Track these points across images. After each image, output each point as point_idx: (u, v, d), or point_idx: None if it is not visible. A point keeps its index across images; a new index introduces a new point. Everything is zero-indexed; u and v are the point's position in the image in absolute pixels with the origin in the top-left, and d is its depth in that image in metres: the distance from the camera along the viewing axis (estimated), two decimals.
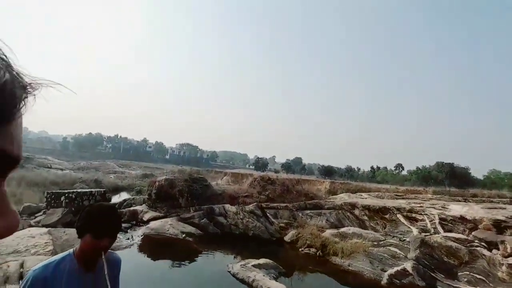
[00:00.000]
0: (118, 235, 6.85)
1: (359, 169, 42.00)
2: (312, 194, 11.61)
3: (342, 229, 8.79)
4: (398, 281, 6.01)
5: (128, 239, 8.06)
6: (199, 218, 9.88)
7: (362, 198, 12.21)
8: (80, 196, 9.95)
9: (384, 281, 6.07)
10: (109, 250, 1.27)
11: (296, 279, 6.29)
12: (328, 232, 8.64)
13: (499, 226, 7.04)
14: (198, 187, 11.41)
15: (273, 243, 8.82)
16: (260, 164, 43.74)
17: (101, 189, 11.56)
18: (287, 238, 8.89)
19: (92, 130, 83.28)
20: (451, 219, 7.82)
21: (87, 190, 10.96)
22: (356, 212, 9.92)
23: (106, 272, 1.19)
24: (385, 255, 6.98)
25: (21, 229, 6.72)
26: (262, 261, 6.48)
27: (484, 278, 5.74)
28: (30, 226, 7.31)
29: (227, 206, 10.46)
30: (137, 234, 8.51)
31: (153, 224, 9.35)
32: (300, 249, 8.09)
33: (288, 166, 44.11)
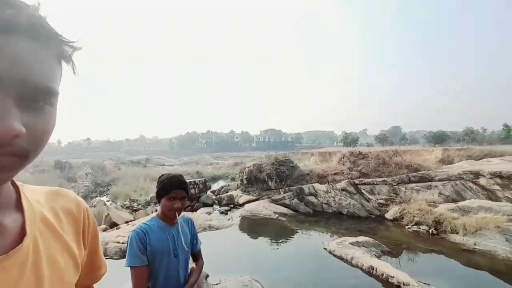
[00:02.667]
0: (221, 216, 7.94)
1: (484, 129, 33.95)
2: (416, 165, 10.19)
3: (463, 203, 7.44)
4: None
5: (229, 219, 9.17)
6: (289, 199, 10.26)
7: (492, 164, 9.90)
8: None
9: None
10: (183, 213, 1.62)
11: (405, 259, 5.78)
12: (443, 207, 7.48)
13: None
14: (285, 169, 11.79)
15: (372, 221, 8.31)
16: (349, 139, 41.01)
17: (202, 179, 13.46)
18: (389, 215, 8.19)
19: (189, 130, 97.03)
20: None
21: (191, 180, 12.96)
22: (482, 181, 8.17)
23: (180, 230, 1.57)
24: None
25: (151, 214, 8.61)
26: (360, 238, 6.25)
27: None
28: (156, 210, 9.28)
29: (317, 185, 10.43)
30: (236, 216, 9.57)
31: (248, 206, 10.30)
32: (406, 227, 7.34)
33: (383, 138, 39.68)
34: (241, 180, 12.44)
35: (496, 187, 7.77)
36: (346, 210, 8.94)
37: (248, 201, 10.91)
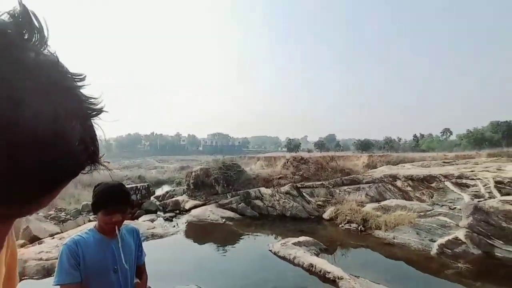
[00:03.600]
0: (166, 223, 7.42)
1: (399, 139, 39.64)
2: (348, 170, 11.33)
3: (384, 202, 8.52)
4: (449, 251, 5.74)
5: (174, 226, 8.73)
6: (236, 203, 10.29)
7: (405, 169, 11.60)
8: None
9: (433, 251, 5.84)
10: (125, 223, 1.47)
11: (339, 255, 6.33)
12: (369, 206, 8.44)
13: None
14: (232, 174, 11.80)
15: (312, 222, 8.90)
16: (292, 145, 43.41)
17: (145, 184, 12.55)
18: (325, 215, 8.89)
19: (131, 131, 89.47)
20: (508, 181, 7.12)
21: (133, 185, 11.96)
22: (398, 183, 9.49)
23: (120, 245, 1.39)
24: (434, 225, 6.66)
25: (82, 224, 7.65)
26: (301, 238, 6.62)
27: None
28: (90, 221, 8.28)
29: (263, 189, 10.71)
30: (182, 222, 9.17)
31: (194, 211, 9.98)
32: (340, 225, 8.05)
33: (321, 144, 43.16)
34: (188, 185, 12.00)
35: (409, 188, 9.13)
36: (289, 212, 9.37)
37: (195, 206, 10.57)
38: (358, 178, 10.12)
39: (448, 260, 5.49)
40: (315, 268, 5.24)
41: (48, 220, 8.64)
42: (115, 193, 1.35)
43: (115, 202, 1.34)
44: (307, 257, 5.68)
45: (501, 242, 5.62)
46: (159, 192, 15.52)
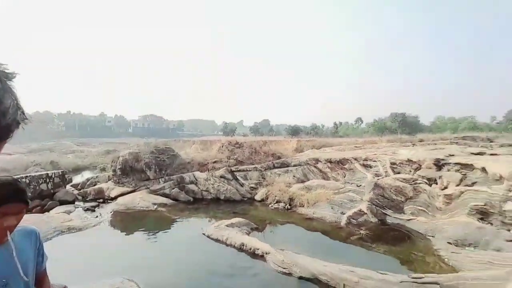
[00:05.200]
0: (86, 214, 6.52)
1: (323, 126, 43.90)
2: (279, 154, 12.06)
3: (307, 183, 9.45)
4: (354, 221, 6.81)
5: (97, 217, 7.86)
6: (169, 188, 9.87)
7: (326, 153, 13.01)
8: (36, 180, 9.25)
9: (343, 222, 6.83)
10: (24, 225, 1.21)
11: (268, 232, 6.79)
12: (295, 187, 9.23)
13: (438, 164, 8.07)
14: (165, 158, 11.19)
15: (245, 203, 9.25)
16: (228, 129, 43.53)
17: (59, 170, 10.79)
18: (257, 197, 9.35)
19: (39, 108, 74.30)
20: (399, 163, 8.77)
21: (43, 172, 10.14)
22: (320, 165, 10.61)
23: (13, 251, 1.14)
24: (344, 200, 7.75)
25: None
26: (234, 220, 6.83)
27: (424, 209, 6.73)
28: None
29: (197, 173, 10.52)
30: (106, 211, 8.31)
31: (121, 199, 9.16)
32: (270, 205, 8.61)
33: (256, 129, 44.59)
34: (114, 171, 10.86)
35: (328, 169, 10.33)
36: (223, 195, 9.50)
37: (122, 194, 9.70)
38: (287, 161, 10.90)
39: (353, 228, 6.52)
40: (246, 246, 5.52)
41: None
42: (6, 191, 1.09)
43: (8, 201, 1.09)
44: (238, 237, 5.92)
45: (391, 211, 6.95)
46: (78, 179, 13.63)
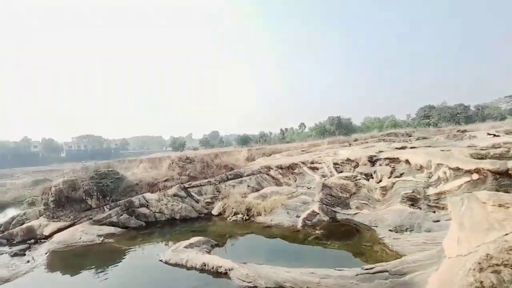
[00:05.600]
0: (14, 261, 5.42)
1: (271, 133, 45.45)
2: (231, 165, 11.99)
3: (262, 191, 9.58)
4: (309, 222, 7.13)
5: (28, 261, 6.58)
6: (117, 215, 8.87)
7: (276, 159, 13.44)
8: None
9: (299, 225, 7.09)
10: None
11: (229, 246, 6.61)
12: (251, 196, 9.26)
13: (371, 160, 9.05)
14: (109, 182, 10.05)
15: (202, 220, 8.88)
16: (177, 144, 41.65)
17: None
18: (214, 211, 9.08)
19: None
20: (341, 162, 9.56)
21: None
22: (272, 172, 10.89)
23: None
24: (298, 203, 8.07)
25: None
26: (193, 240, 6.48)
27: (366, 202, 7.43)
28: None
29: (148, 195, 9.72)
30: (40, 253, 7.03)
31: (58, 236, 7.89)
32: (228, 219, 8.43)
33: (206, 142, 43.68)
34: (46, 204, 9.30)
35: (279, 176, 10.66)
36: (179, 214, 8.96)
37: (59, 230, 8.35)
38: (240, 172, 10.89)
39: (309, 229, 6.81)
40: (208, 265, 5.27)
41: None
42: None
43: None
44: (199, 257, 5.61)
45: (339, 208, 7.49)
46: (0, 219, 11.26)
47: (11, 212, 13.21)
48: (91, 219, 8.86)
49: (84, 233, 7.88)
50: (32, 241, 8.13)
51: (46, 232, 8.34)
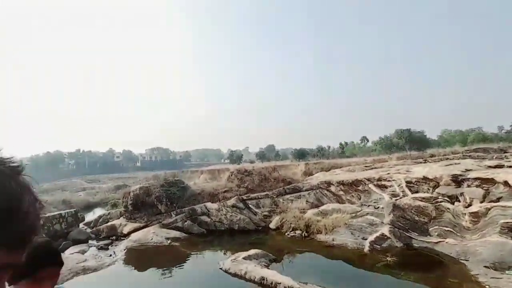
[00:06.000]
0: (100, 253, 6.31)
1: (329, 147, 43.64)
2: (289, 179, 11.86)
3: (322, 207, 9.14)
4: (378, 246, 6.43)
5: (111, 255, 7.62)
6: (182, 221, 9.64)
7: (336, 174, 12.76)
8: (49, 221, 9.17)
9: (366, 248, 6.46)
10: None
11: (287, 263, 6.44)
12: (310, 212, 8.92)
13: (456, 180, 7.78)
14: (176, 191, 11.07)
15: (260, 233, 8.92)
16: (235, 157, 43.50)
17: (72, 210, 10.73)
18: (272, 225, 9.03)
19: (50, 149, 76.24)
20: (415, 181, 8.49)
21: (56, 213, 10.08)
22: (332, 188, 10.34)
23: None
24: (364, 224, 7.41)
25: None
26: (251, 252, 6.52)
27: (451, 229, 6.34)
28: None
29: (209, 204, 10.32)
30: (120, 249, 8.07)
31: (134, 235, 8.94)
32: (286, 234, 8.27)
33: (262, 155, 44.48)
34: (125, 206, 10.73)
35: (341, 192, 10.04)
36: (237, 225, 9.21)
37: (135, 230, 9.48)
38: (299, 186, 10.67)
39: (378, 255, 6.14)
40: (267, 280, 5.20)
41: None
42: (40, 255, 0.99)
43: (45, 266, 0.99)
44: (258, 270, 5.61)
45: (416, 233, 6.58)
46: (90, 217, 13.49)
47: (98, 212, 15.63)
48: (161, 222, 9.83)
49: (155, 234, 8.76)
50: (114, 237, 9.42)
51: (125, 231, 9.57)
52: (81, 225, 10.87)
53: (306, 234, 7.90)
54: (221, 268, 6.06)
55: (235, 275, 5.70)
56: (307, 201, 10.04)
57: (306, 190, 10.54)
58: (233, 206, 9.97)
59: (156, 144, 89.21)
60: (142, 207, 10.55)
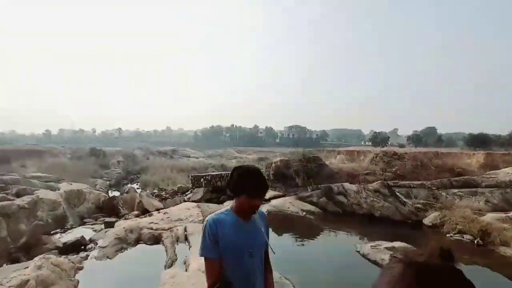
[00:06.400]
0: None
1: None
2: (459, 169, 9.44)
3: None
4: None
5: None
6: (317, 197, 9.99)
7: None
8: (214, 178, 12.04)
9: None
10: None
11: None
12: (490, 216, 6.85)
13: None
14: (313, 167, 11.49)
15: (407, 227, 7.84)
16: (379, 139, 39.27)
17: (229, 172, 13.56)
18: (427, 220, 7.67)
19: (214, 123, 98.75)
20: None
21: (217, 173, 13.10)
22: None
23: (258, 223, 1.44)
24: None
25: (179, 203, 8.80)
26: (397, 244, 5.90)
27: None
28: (184, 201, 9.48)
29: (347, 185, 10.04)
30: (264, 210, 9.50)
31: (274, 202, 10.19)
32: (447, 235, 6.81)
33: (417, 139, 37.54)
34: (268, 176, 12.34)
35: None
36: (378, 212, 8.51)
37: (275, 197, 10.80)
38: (475, 180, 8.32)
39: None
40: None
41: (153, 197, 10.35)
42: (260, 178, 1.42)
43: (262, 188, 1.42)
44: None
45: None
46: None
47: None
48: (297, 195, 10.64)
49: (292, 205, 9.63)
50: None
51: (266, 196, 11.09)
52: None
53: (480, 242, 6.18)
54: (358, 251, 5.89)
55: (374, 262, 5.39)
56: (487, 201, 7.71)
57: (487, 186, 8.07)
58: (375, 190, 9.21)
59: (294, 122, 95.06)
60: (282, 178, 11.77)
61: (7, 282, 3.34)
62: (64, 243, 5.76)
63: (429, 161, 9.76)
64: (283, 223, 8.46)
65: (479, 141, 28.38)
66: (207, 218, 1.46)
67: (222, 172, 13.12)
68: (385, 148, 17.36)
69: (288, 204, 9.73)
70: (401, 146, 31.63)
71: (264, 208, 9.83)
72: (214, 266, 1.36)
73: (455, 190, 8.29)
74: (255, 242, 1.43)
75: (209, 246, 1.36)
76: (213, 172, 15.58)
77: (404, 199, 8.73)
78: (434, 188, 8.53)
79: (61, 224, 7.31)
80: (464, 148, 26.74)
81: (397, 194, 8.95)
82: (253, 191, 1.38)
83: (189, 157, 34.03)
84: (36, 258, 4.11)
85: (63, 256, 4.43)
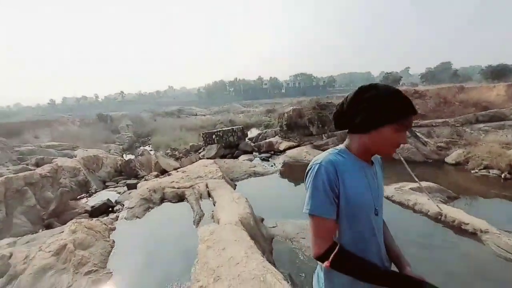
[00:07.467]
0: (263, 163, 7.60)
1: None
2: (485, 103, 8.93)
3: None
4: None
5: (272, 166, 9.15)
6: (333, 144, 9.83)
7: None
8: (226, 133, 11.91)
9: None
10: None
11: (476, 206, 5.33)
12: None
13: None
14: (328, 114, 11.11)
15: (429, 166, 7.72)
16: (390, 80, 37.64)
17: (239, 126, 13.35)
18: (450, 159, 7.51)
19: (216, 79, 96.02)
20: None
21: (229, 128, 12.93)
22: None
23: (378, 177, 1.07)
24: None
25: (195, 161, 8.82)
26: (422, 184, 5.81)
27: None
28: (200, 159, 9.49)
29: None
30: (278, 162, 9.50)
31: (289, 152, 10.14)
32: (472, 171, 6.69)
33: (431, 76, 35.76)
34: (281, 126, 12.11)
35: None
36: (398, 154, 8.32)
37: (289, 147, 10.72)
38: (503, 113, 7.88)
39: None
40: (446, 217, 4.56)
41: (169, 157, 10.42)
42: (410, 101, 0.95)
43: (411, 113, 0.94)
44: (432, 204, 4.98)
45: None
46: (250, 134, 16.47)
47: (254, 131, 18.75)
48: (312, 143, 10.51)
49: (308, 153, 9.55)
50: (272, 152, 11.12)
51: (281, 147, 11.01)
52: (246, 139, 13.47)
53: (508, 176, 6.05)
54: None
55: (400, 203, 5.38)
56: None
57: None
58: None
59: (299, 70, 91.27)
60: (295, 127, 11.53)
61: (46, 247, 3.42)
62: (92, 207, 5.93)
63: (452, 97, 9.22)
64: (301, 173, 8.37)
65: (498, 73, 26.82)
66: (316, 161, 1.02)
67: (233, 127, 12.93)
68: (404, 87, 16.51)
69: (305, 153, 9.66)
70: (414, 85, 30.28)
71: (280, 159, 9.81)
72: (329, 226, 0.96)
73: (481, 125, 7.93)
74: (379, 195, 1.05)
75: (322, 202, 0.95)
76: (222, 128, 15.44)
77: (425, 139, 8.48)
78: (457, 125, 8.18)
79: (85, 189, 7.50)
80: (482, 82, 25.40)
81: (418, 134, 8.68)
82: (405, 118, 0.93)
83: (196, 115, 33.80)
84: (69, 223, 4.20)
85: (94, 219, 4.51)
